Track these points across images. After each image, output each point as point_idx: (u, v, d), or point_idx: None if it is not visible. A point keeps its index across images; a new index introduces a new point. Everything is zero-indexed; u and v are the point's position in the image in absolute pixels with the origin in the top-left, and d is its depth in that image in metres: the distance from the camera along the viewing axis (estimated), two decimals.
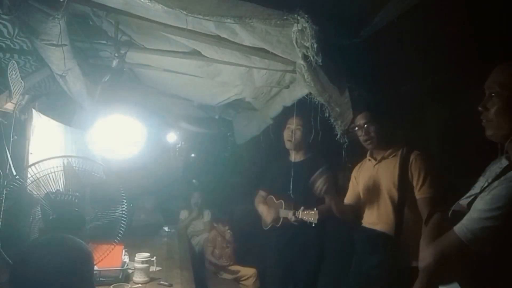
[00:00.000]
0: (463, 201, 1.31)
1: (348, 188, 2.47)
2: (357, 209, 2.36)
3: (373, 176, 2.25)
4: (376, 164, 2.25)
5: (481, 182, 1.29)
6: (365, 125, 2.21)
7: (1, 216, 1.76)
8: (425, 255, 1.14)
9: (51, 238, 1.26)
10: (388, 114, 2.27)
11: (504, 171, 1.14)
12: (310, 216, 2.45)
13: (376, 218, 2.19)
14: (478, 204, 1.09)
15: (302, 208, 2.53)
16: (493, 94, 1.17)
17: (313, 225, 2.45)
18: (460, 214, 1.21)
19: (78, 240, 1.27)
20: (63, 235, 1.28)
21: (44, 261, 1.15)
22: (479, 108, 1.21)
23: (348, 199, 2.44)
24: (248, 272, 3.89)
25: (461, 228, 1.08)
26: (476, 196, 1.18)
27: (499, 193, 1.04)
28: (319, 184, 2.19)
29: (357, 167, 2.44)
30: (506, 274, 1.07)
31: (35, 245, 1.28)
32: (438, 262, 1.10)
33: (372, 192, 2.23)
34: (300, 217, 2.52)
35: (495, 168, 1.25)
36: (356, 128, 2.25)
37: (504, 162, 1.21)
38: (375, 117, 2.21)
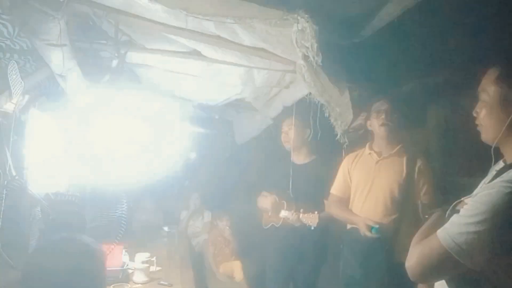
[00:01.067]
0: (467, 200, 1.32)
1: (337, 178, 2.41)
2: (346, 202, 2.34)
3: (374, 172, 2.21)
4: (380, 160, 2.22)
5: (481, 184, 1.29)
6: (387, 109, 2.17)
7: (1, 216, 1.76)
8: (410, 256, 1.14)
9: (62, 238, 1.25)
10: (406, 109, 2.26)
11: (497, 175, 1.14)
12: (310, 219, 2.44)
13: (371, 217, 2.16)
14: (462, 209, 1.09)
15: (302, 210, 2.53)
16: (481, 99, 1.21)
17: (312, 228, 2.43)
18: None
19: (90, 240, 1.27)
20: (75, 235, 1.28)
21: (55, 262, 1.14)
22: (474, 114, 1.24)
23: (337, 190, 2.39)
24: (232, 267, 3.87)
25: (443, 233, 1.07)
26: None
27: (480, 199, 1.04)
28: None
29: (350, 158, 2.37)
30: (491, 280, 1.06)
31: (46, 245, 1.28)
32: (420, 264, 1.09)
33: (370, 188, 2.21)
34: (299, 219, 2.51)
35: (492, 170, 1.26)
36: (375, 114, 2.21)
37: (500, 165, 1.22)
38: (397, 104, 2.20)
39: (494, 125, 1.17)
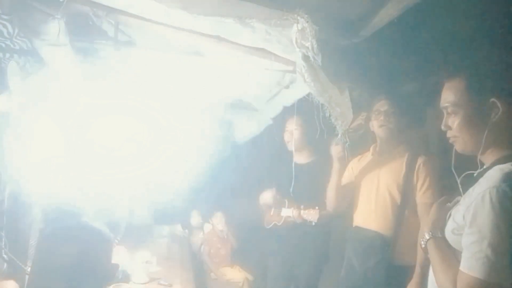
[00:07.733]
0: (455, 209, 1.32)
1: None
2: (346, 197, 2.35)
3: (375, 172, 2.21)
4: (381, 160, 2.22)
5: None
6: (387, 110, 2.16)
7: (4, 216, 1.77)
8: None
9: (70, 223, 1.30)
10: (406, 109, 2.24)
11: (476, 178, 1.16)
12: (311, 215, 2.45)
13: (371, 217, 2.17)
14: (466, 235, 1.08)
15: (303, 206, 2.53)
16: (449, 112, 1.21)
17: (313, 223, 2.44)
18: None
19: (96, 227, 1.31)
20: (83, 221, 1.32)
21: (65, 244, 1.19)
22: (442, 127, 1.25)
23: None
24: (236, 276, 3.86)
25: (467, 268, 1.06)
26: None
27: (475, 217, 1.06)
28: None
29: (356, 159, 2.40)
30: None
31: (57, 230, 1.33)
32: None
33: (370, 189, 2.21)
34: (301, 215, 2.52)
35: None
36: (375, 115, 2.20)
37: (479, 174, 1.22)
38: (397, 104, 2.18)
39: (474, 136, 1.18)
